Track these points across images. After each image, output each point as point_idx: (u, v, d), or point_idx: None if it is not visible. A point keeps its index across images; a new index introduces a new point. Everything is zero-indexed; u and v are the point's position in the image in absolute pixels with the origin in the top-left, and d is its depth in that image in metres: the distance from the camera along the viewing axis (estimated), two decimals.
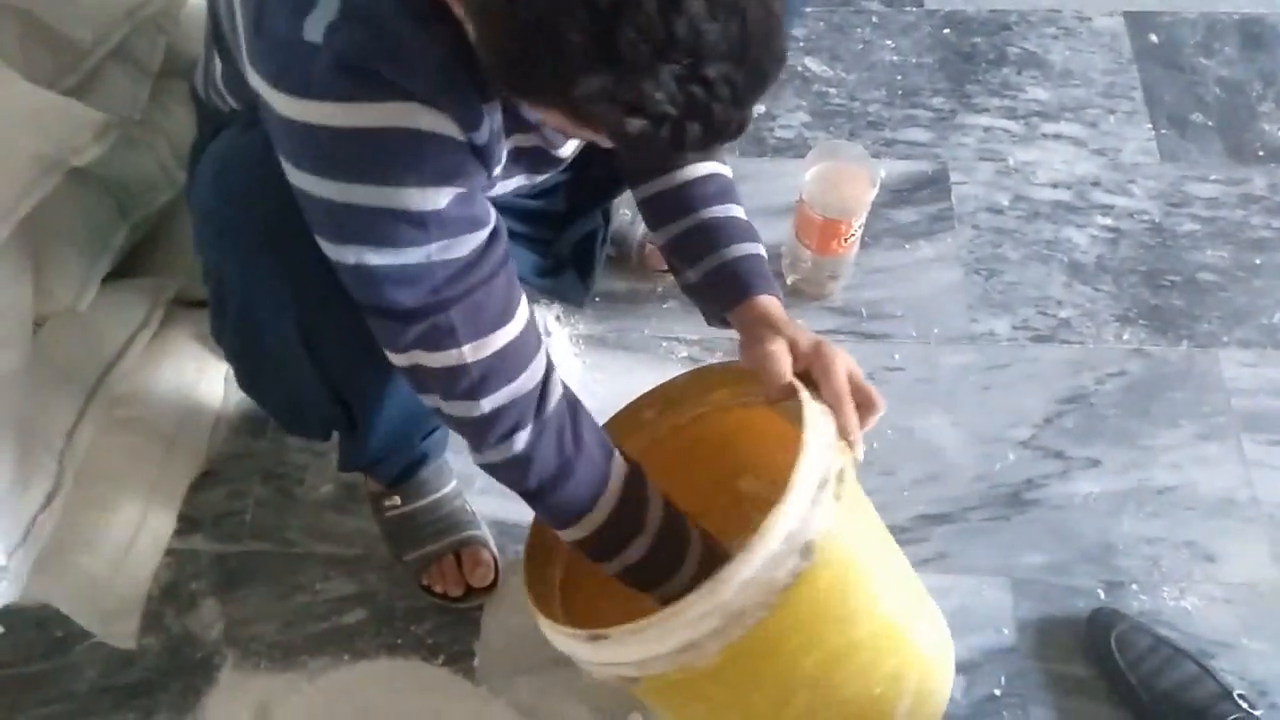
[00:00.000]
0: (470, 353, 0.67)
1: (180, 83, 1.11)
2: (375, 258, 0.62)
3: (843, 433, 0.71)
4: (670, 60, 0.48)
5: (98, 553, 1.01)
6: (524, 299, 0.71)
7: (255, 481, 1.14)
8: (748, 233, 0.84)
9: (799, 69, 1.44)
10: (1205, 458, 1.10)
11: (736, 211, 0.85)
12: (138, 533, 1.05)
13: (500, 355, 0.68)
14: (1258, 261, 1.25)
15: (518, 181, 0.78)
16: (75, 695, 1.02)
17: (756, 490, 0.93)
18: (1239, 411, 1.13)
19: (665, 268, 1.25)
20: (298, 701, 0.98)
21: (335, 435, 0.98)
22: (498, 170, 0.71)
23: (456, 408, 0.70)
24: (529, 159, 0.76)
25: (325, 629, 1.04)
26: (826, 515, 0.66)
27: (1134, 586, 1.03)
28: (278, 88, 0.59)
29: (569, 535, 0.77)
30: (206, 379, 1.15)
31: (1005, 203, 1.30)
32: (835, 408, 0.73)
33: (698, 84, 0.49)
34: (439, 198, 0.61)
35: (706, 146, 0.53)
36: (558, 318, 1.22)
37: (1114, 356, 1.18)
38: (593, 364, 1.20)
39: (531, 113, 0.66)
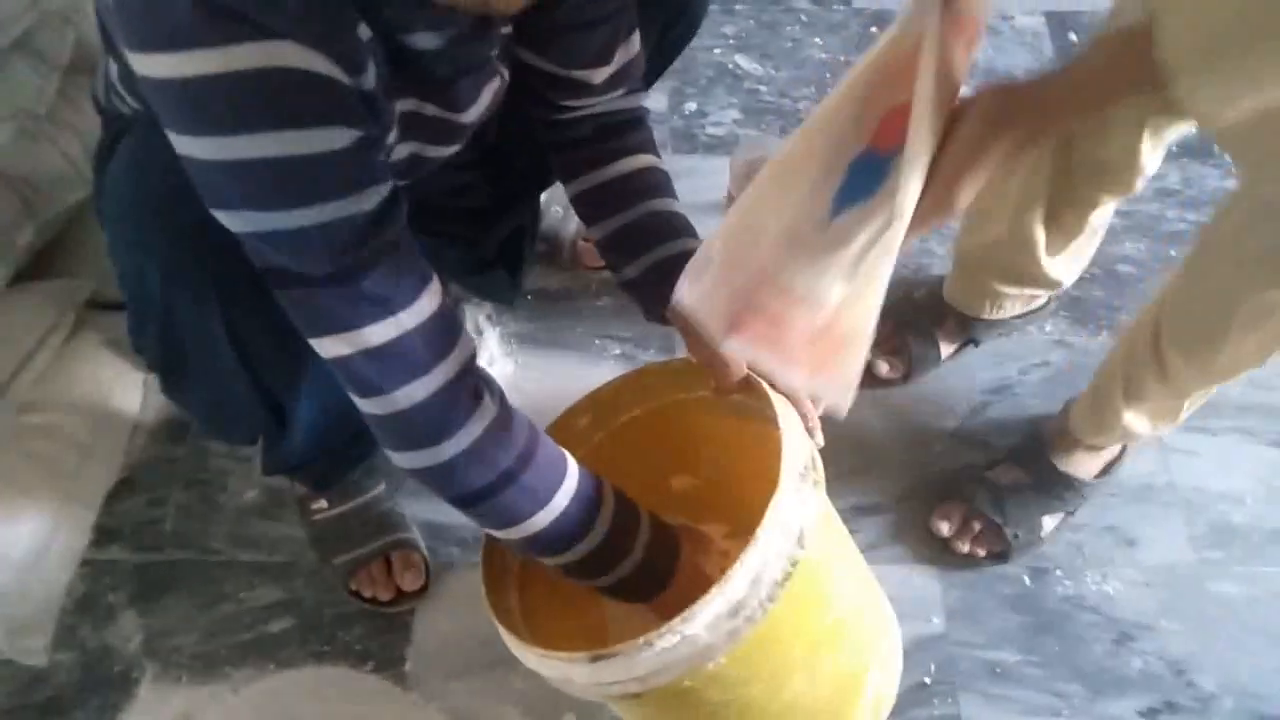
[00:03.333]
0: (405, 318, 0.63)
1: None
2: (273, 220, 0.58)
3: (803, 421, 0.72)
4: None
5: (4, 566, 0.97)
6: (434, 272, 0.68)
7: (176, 488, 1.10)
8: (686, 228, 0.84)
9: (730, 66, 1.45)
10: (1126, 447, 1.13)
11: (674, 206, 0.85)
12: (49, 543, 1.01)
13: (437, 317, 0.65)
14: (1173, 253, 1.28)
15: (411, 149, 0.73)
16: None
17: (688, 487, 0.94)
18: None
19: (598, 265, 1.24)
20: (221, 714, 0.95)
21: (260, 439, 0.96)
22: (391, 136, 0.69)
23: (409, 392, 0.64)
24: (429, 129, 0.73)
25: (250, 638, 1.01)
26: (812, 502, 0.68)
27: (1058, 572, 1.05)
28: (145, 49, 0.55)
29: (517, 534, 0.72)
30: (123, 384, 1.11)
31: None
32: (791, 397, 0.74)
33: None
34: (332, 138, 0.57)
35: None
36: (488, 316, 1.21)
37: (1037, 347, 1.20)
38: (525, 363, 1.19)
39: (423, 36, 0.63)
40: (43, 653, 0.99)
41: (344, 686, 0.97)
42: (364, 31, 0.60)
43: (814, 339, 0.63)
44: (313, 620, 1.02)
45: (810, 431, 0.73)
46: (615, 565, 0.75)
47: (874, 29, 1.49)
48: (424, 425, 0.66)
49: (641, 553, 0.76)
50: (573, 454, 0.85)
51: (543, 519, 0.71)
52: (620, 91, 0.84)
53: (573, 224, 1.24)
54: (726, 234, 0.64)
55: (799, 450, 0.68)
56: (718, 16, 1.49)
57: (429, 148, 0.75)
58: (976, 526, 1.04)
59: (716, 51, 1.46)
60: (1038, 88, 0.57)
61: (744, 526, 0.68)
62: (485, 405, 0.68)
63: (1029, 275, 1.06)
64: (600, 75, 0.80)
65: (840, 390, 0.62)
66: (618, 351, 1.20)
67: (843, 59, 1.45)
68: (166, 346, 0.80)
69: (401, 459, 0.69)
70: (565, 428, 0.85)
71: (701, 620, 0.62)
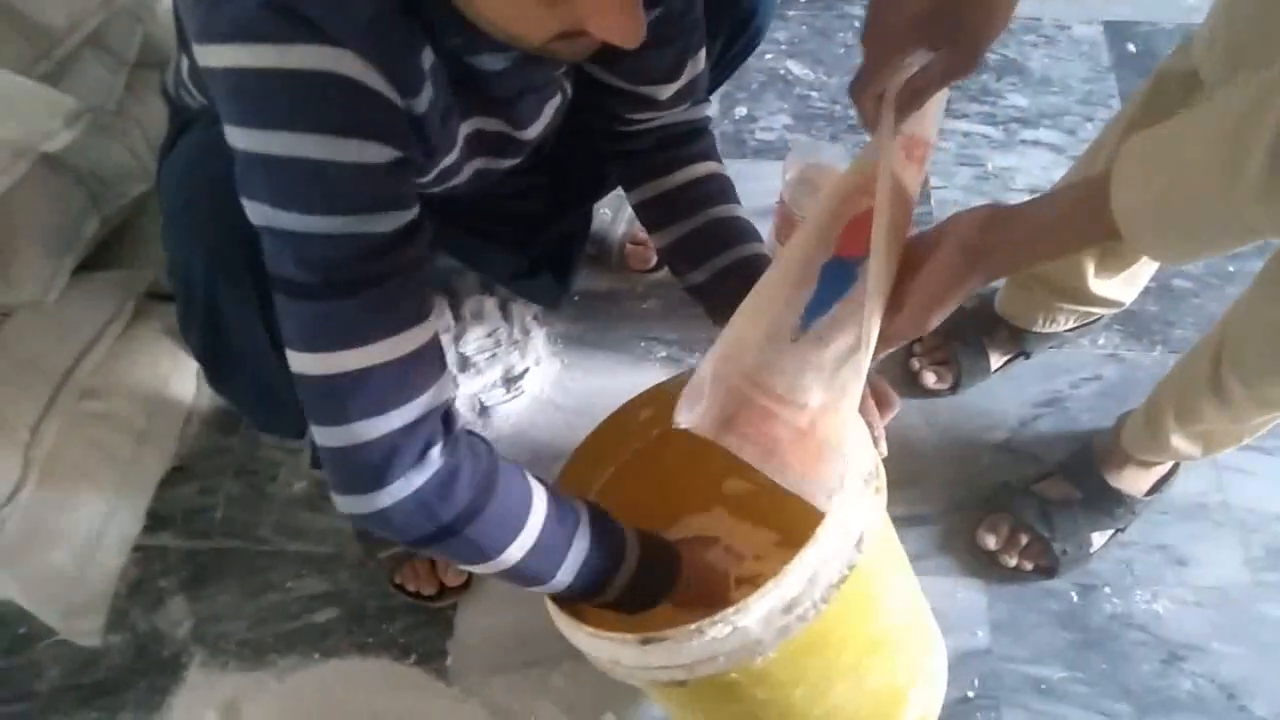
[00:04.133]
0: (380, 351, 0.61)
1: (158, 74, 1.10)
2: (288, 220, 0.57)
3: (869, 429, 0.72)
4: None
5: (63, 548, 0.99)
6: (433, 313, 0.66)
7: (227, 478, 1.12)
8: (750, 233, 0.84)
9: (781, 72, 1.44)
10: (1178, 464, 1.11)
11: (738, 211, 0.85)
12: (105, 528, 1.03)
13: (415, 359, 0.62)
14: (1230, 269, 1.26)
15: (476, 166, 0.75)
16: (37, 694, 1.00)
17: (740, 491, 0.93)
18: None
19: (645, 268, 1.25)
20: (266, 701, 0.96)
21: (307, 433, 0.97)
22: (450, 159, 0.69)
23: (360, 429, 0.61)
24: (492, 143, 0.74)
25: (295, 627, 1.03)
26: (873, 507, 0.68)
27: (1107, 589, 1.03)
28: (207, 39, 0.56)
29: (498, 565, 0.69)
30: (179, 374, 1.13)
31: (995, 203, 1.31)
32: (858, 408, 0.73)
33: None
34: (367, 152, 0.57)
35: None
36: (535, 317, 1.21)
37: (1089, 361, 1.18)
38: (571, 363, 1.20)
39: (489, 58, 0.63)
40: (96, 634, 1.01)
41: (386, 678, 0.98)
42: (428, 56, 0.60)
43: (799, 439, 0.65)
44: (357, 612, 1.04)
45: (875, 441, 0.73)
46: (596, 595, 0.74)
47: None
48: (366, 466, 0.62)
49: (627, 577, 0.74)
50: (630, 445, 0.85)
51: (494, 568, 0.69)
52: (685, 105, 0.84)
53: (621, 227, 1.25)
54: (717, 349, 0.68)
55: (863, 455, 0.69)
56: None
57: (492, 162, 0.76)
58: (1024, 540, 1.03)
59: (768, 57, 1.45)
60: (1013, 229, 0.60)
61: (794, 536, 0.68)
62: (429, 460, 0.63)
63: (1081, 294, 1.05)
64: (668, 91, 0.80)
65: (823, 495, 0.64)
66: (663, 354, 1.20)
67: None
68: (212, 339, 0.81)
69: (339, 503, 0.65)
70: (625, 419, 0.85)
71: (755, 613, 0.62)
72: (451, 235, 0.99)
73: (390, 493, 0.62)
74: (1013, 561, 1.03)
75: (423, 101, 0.61)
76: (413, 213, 0.62)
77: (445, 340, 1.17)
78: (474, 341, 1.17)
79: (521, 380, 1.16)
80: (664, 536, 0.80)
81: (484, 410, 1.15)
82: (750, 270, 0.79)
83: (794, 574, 0.62)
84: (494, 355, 1.17)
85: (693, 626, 0.62)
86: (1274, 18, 0.65)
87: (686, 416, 0.67)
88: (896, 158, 0.65)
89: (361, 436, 0.61)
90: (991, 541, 1.04)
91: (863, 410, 0.74)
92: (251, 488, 1.12)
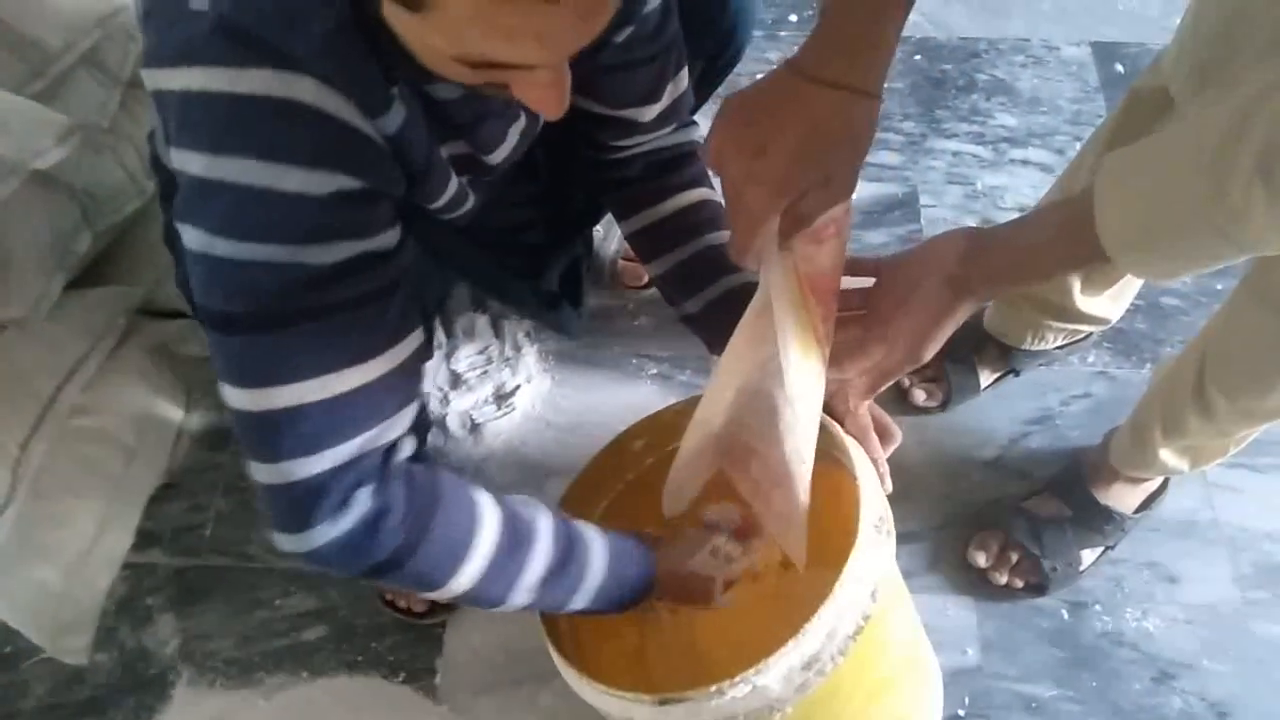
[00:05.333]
0: (315, 389, 0.57)
1: None
2: (225, 245, 0.54)
3: (874, 466, 0.72)
4: None
5: (51, 566, 0.99)
6: (408, 352, 0.63)
7: (217, 495, 1.12)
8: None
9: None
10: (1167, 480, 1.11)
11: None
12: (94, 545, 1.03)
13: (358, 395, 0.59)
14: (1219, 287, 1.27)
15: (452, 191, 0.72)
16: (22, 713, 0.99)
17: (721, 517, 0.93)
18: None
19: (637, 285, 1.25)
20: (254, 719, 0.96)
21: None
22: (453, 186, 0.68)
23: (286, 469, 0.58)
24: (464, 168, 0.72)
25: (284, 645, 1.03)
26: (885, 554, 0.67)
27: (1097, 607, 1.03)
28: (158, 63, 0.54)
29: (446, 594, 0.67)
30: (169, 390, 1.13)
31: (974, 226, 1.32)
32: (861, 441, 0.72)
33: None
34: (318, 183, 0.54)
35: None
36: (527, 334, 1.22)
37: (1079, 379, 1.19)
38: (562, 380, 1.20)
39: (441, 87, 0.62)
40: (84, 652, 1.01)
41: (375, 697, 0.98)
42: (393, 78, 0.59)
43: (775, 484, 0.67)
44: (346, 630, 1.03)
45: (881, 478, 0.72)
46: (560, 609, 0.71)
47: (917, 57, 1.49)
48: (292, 506, 0.60)
49: (590, 594, 0.71)
50: (624, 475, 0.85)
51: (443, 595, 0.67)
52: (670, 128, 0.84)
53: (613, 244, 1.25)
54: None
55: (875, 501, 0.67)
56: (761, 42, 1.50)
57: (470, 183, 0.75)
58: (1014, 557, 1.03)
59: (759, 75, 1.46)
60: (994, 257, 0.60)
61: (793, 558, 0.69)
62: (354, 502, 0.60)
63: (1068, 312, 1.06)
64: (649, 113, 0.80)
65: (796, 548, 0.67)
66: (654, 371, 1.20)
67: (885, 85, 1.45)
68: None
69: (275, 539, 0.62)
70: (620, 450, 0.85)
71: (776, 672, 0.61)
72: (476, 268, 0.98)
73: (318, 534, 0.60)
74: (1003, 579, 1.03)
75: (394, 120, 0.59)
76: (368, 244, 0.59)
77: (436, 357, 1.17)
78: (465, 358, 1.18)
79: (513, 397, 1.16)
80: (643, 538, 0.77)
81: (475, 427, 1.15)
82: (744, 299, 0.76)
83: (813, 632, 0.61)
84: (485, 372, 1.17)
85: (712, 688, 0.61)
86: (1237, 35, 0.66)
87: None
88: (804, 251, 0.64)
89: (290, 475, 0.59)
90: (982, 559, 1.04)
91: (865, 445, 0.73)
92: (241, 504, 1.11)
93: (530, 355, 1.20)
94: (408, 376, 0.64)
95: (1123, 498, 1.04)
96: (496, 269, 1.00)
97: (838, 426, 0.73)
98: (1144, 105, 0.84)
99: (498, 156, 0.74)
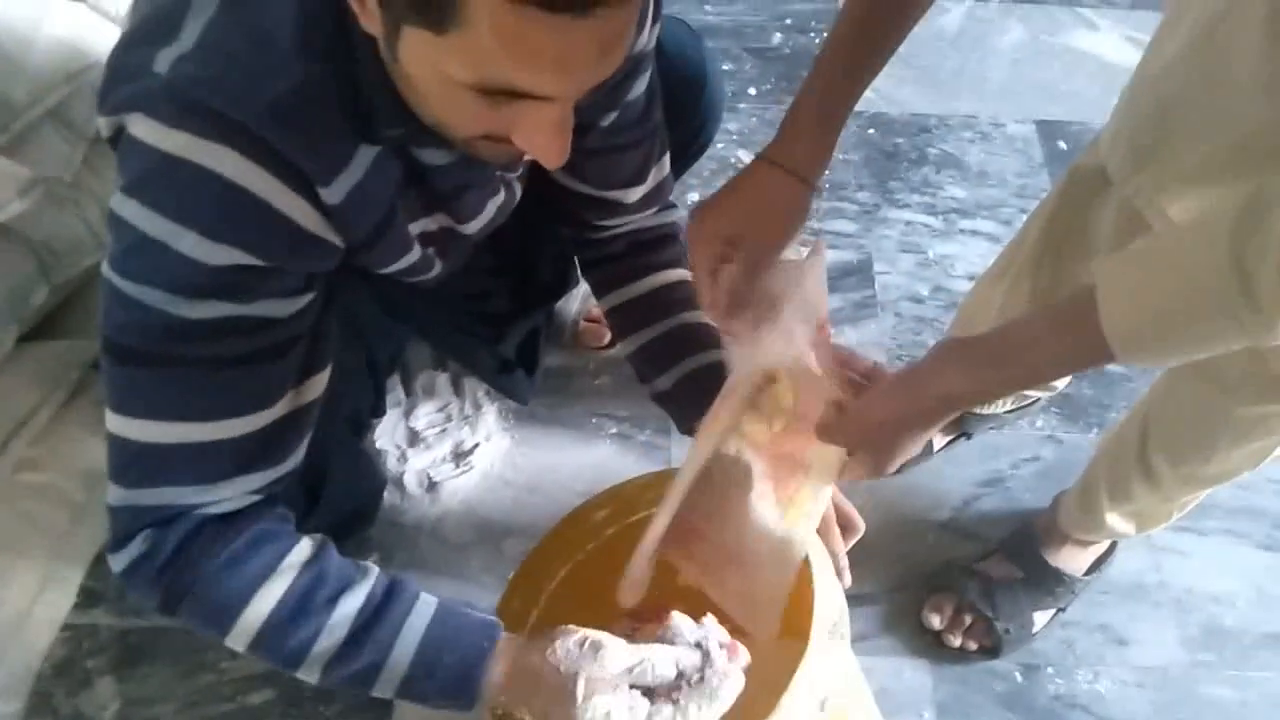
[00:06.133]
0: (179, 431, 0.61)
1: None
2: (118, 278, 0.58)
3: (833, 560, 0.71)
4: None
5: None
6: (271, 418, 0.64)
7: None
8: (718, 340, 0.83)
9: (733, 160, 1.50)
10: (1116, 543, 1.13)
11: (703, 317, 0.85)
12: (33, 605, 1.00)
13: (227, 444, 0.62)
14: None
15: (413, 259, 0.73)
16: None
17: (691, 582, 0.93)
18: None
19: (598, 345, 1.27)
20: None
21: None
22: (411, 257, 0.69)
23: (112, 490, 0.64)
24: (437, 240, 0.73)
25: (228, 710, 0.99)
26: (837, 661, 0.65)
27: (1049, 670, 1.04)
28: (107, 112, 0.57)
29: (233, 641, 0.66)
30: None
31: (925, 292, 1.36)
32: (823, 534, 0.71)
33: None
34: (210, 252, 0.56)
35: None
36: (487, 392, 1.22)
37: (1028, 442, 1.22)
38: (521, 439, 1.20)
39: (431, 152, 0.64)
40: (15, 719, 0.97)
41: None
42: (365, 151, 0.60)
43: (728, 562, 0.68)
44: (293, 694, 1.01)
45: (840, 573, 0.71)
46: (367, 677, 0.66)
47: (871, 130, 1.55)
48: (110, 528, 0.65)
49: (395, 680, 0.65)
50: (584, 546, 0.83)
51: (232, 643, 0.66)
52: (653, 210, 0.86)
53: (574, 304, 1.27)
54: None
55: (830, 603, 0.65)
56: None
57: (440, 260, 0.76)
58: (968, 620, 1.04)
59: (720, 146, 1.51)
60: (988, 369, 0.59)
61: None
62: (133, 543, 0.64)
63: None
64: (634, 195, 0.82)
65: (762, 626, 0.66)
66: (614, 430, 1.21)
67: (841, 158, 1.50)
68: None
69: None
70: (582, 519, 0.84)
71: None
72: (434, 329, 0.99)
73: (113, 560, 0.65)
74: (957, 641, 1.04)
75: (342, 187, 0.60)
76: (249, 309, 0.60)
77: (394, 415, 1.17)
78: (424, 416, 1.17)
79: (471, 455, 1.16)
80: (493, 623, 0.67)
81: (433, 485, 1.14)
82: (714, 377, 0.77)
83: None
84: (444, 430, 1.17)
85: None
86: (1172, 118, 0.70)
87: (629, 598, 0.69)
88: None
89: (114, 498, 0.64)
90: (936, 621, 1.04)
91: (825, 537, 0.72)
92: None
93: (490, 414, 1.20)
94: (268, 441, 0.65)
95: (1072, 560, 1.06)
96: (455, 331, 1.01)
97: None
98: (1083, 182, 0.88)
99: (473, 228, 0.76)
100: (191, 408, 0.62)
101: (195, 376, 0.61)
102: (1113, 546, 1.07)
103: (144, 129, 0.55)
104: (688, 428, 0.81)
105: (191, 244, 0.56)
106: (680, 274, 0.86)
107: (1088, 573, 1.06)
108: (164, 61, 0.55)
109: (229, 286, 0.59)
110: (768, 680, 0.61)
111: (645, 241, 0.87)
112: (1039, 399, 1.19)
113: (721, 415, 0.67)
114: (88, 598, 1.05)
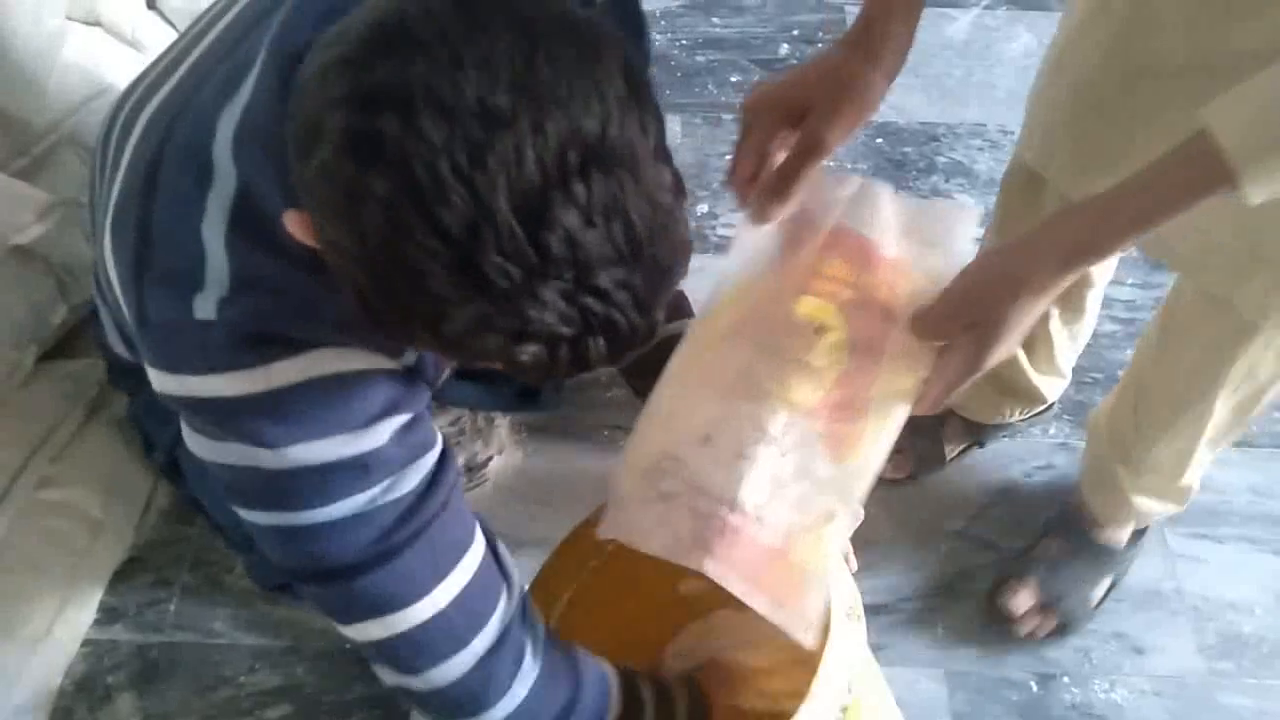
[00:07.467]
0: (442, 594, 0.61)
1: None
2: (311, 516, 0.57)
3: None
4: (550, 277, 0.42)
5: (9, 643, 0.97)
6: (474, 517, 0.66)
7: (183, 569, 1.11)
8: (682, 308, 0.84)
9: None
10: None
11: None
12: (54, 622, 1.01)
13: (477, 582, 0.63)
14: None
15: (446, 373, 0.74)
16: None
17: (697, 590, 0.93)
18: None
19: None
20: None
21: None
22: (444, 376, 0.70)
23: (445, 671, 0.62)
24: None
25: None
26: (856, 644, 0.65)
27: (1065, 679, 1.04)
28: (178, 372, 0.56)
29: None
30: (138, 463, 1.12)
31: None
32: None
33: (590, 295, 0.43)
34: (377, 435, 0.58)
35: (615, 358, 0.46)
36: None
37: (1041, 450, 1.21)
38: (535, 451, 1.20)
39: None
40: None
41: None
42: None
43: (770, 561, 0.61)
44: (311, 708, 1.01)
45: (846, 558, 0.71)
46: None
47: (879, 140, 1.55)
48: (463, 698, 0.63)
49: None
50: (588, 562, 0.84)
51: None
52: None
53: None
54: (645, 462, 0.65)
55: (844, 586, 0.65)
56: (730, 125, 1.56)
57: None
58: (1034, 603, 1.05)
59: (728, 158, 1.51)
60: (1101, 216, 0.55)
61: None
62: (526, 667, 0.65)
63: (1020, 387, 1.10)
64: None
65: (802, 627, 0.60)
66: (626, 442, 1.21)
67: (849, 166, 1.51)
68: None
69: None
70: (582, 536, 0.85)
71: None
72: (448, 386, 0.99)
73: (500, 709, 0.64)
74: (1026, 629, 1.05)
75: (411, 354, 0.62)
76: (437, 450, 0.62)
77: None
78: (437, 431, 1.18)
79: (485, 469, 1.16)
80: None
81: None
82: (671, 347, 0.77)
83: None
84: (457, 444, 1.18)
85: None
86: (1115, 134, 0.72)
87: (613, 529, 0.65)
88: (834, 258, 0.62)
89: (444, 679, 0.62)
90: (1014, 608, 1.05)
91: None
92: (208, 579, 1.10)
93: (502, 427, 1.21)
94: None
95: (1113, 535, 1.07)
96: (471, 380, 1.01)
97: None
98: (1016, 187, 0.92)
99: None
100: (458, 550, 0.63)
101: (441, 527, 0.62)
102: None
103: (236, 383, 0.54)
104: (643, 397, 0.80)
105: (365, 440, 0.57)
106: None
107: (1129, 544, 1.08)
108: (205, 308, 0.54)
109: (416, 447, 0.60)
110: (800, 661, 0.61)
111: None
112: (1051, 405, 1.19)
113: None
114: (108, 614, 1.07)
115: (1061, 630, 1.05)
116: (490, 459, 1.17)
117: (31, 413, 1.04)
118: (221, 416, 0.56)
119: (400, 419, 0.59)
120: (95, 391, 1.10)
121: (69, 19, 1.03)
